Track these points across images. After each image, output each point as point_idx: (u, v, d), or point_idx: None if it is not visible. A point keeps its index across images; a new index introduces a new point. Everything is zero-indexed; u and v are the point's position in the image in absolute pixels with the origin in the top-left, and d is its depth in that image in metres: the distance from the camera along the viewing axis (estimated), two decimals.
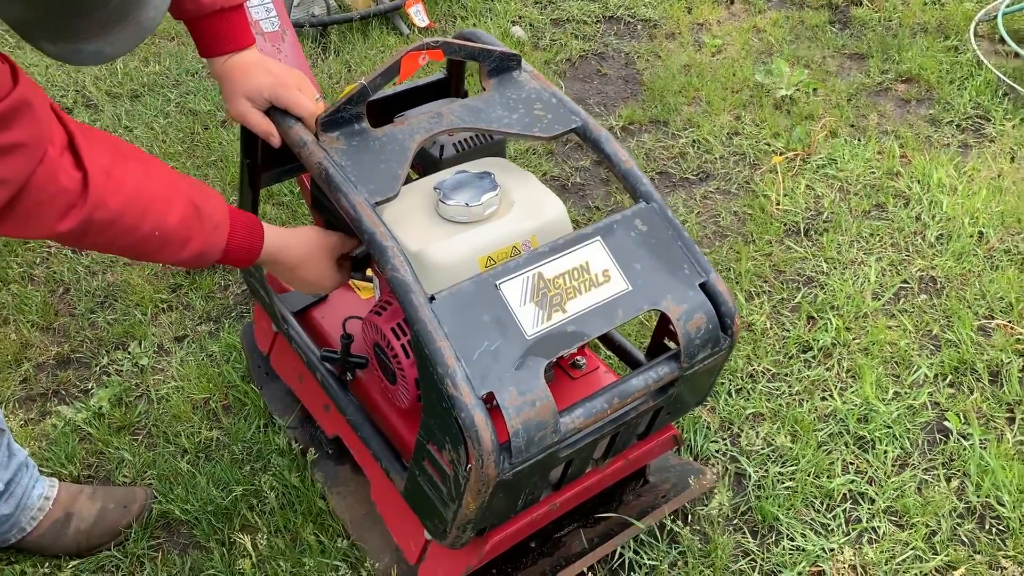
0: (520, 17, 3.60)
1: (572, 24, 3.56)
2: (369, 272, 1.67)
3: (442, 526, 1.40)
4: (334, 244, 1.52)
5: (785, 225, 2.56)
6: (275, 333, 1.99)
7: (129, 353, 2.22)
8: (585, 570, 1.67)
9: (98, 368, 2.18)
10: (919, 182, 2.67)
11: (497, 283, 1.30)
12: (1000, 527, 1.78)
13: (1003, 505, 1.80)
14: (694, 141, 2.92)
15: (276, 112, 1.45)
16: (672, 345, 1.51)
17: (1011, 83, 3.02)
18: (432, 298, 1.27)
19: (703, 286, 1.41)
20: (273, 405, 2.04)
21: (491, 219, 1.45)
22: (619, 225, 1.41)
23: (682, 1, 3.69)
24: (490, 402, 1.22)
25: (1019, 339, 2.15)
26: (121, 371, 2.18)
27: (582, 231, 1.39)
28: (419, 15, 3.46)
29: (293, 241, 1.47)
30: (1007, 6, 3.31)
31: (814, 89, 3.13)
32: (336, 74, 3.23)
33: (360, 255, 1.64)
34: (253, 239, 1.39)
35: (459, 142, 1.64)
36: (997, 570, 1.71)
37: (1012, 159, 2.75)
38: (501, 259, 1.42)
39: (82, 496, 1.82)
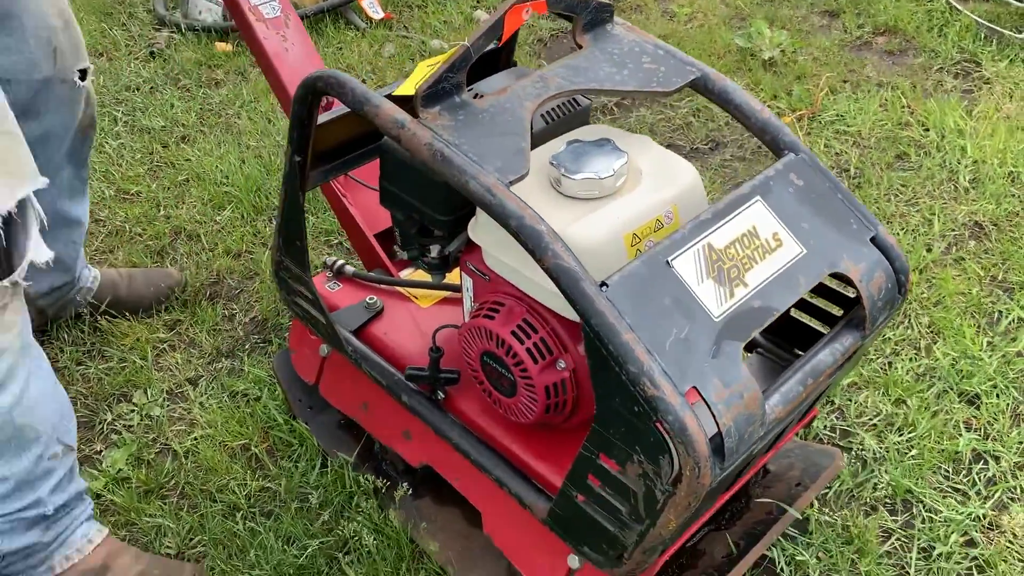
0: (479, 1, 3.39)
1: None
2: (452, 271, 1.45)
3: (617, 551, 1.20)
4: None
5: None
6: (322, 359, 1.74)
7: (135, 405, 1.92)
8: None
9: (103, 426, 1.88)
10: (933, 129, 2.60)
11: (669, 260, 1.11)
12: None
13: None
14: (695, 110, 2.78)
15: (357, 92, 1.22)
16: (832, 309, 1.35)
17: (990, 25, 3.01)
18: (604, 284, 1.07)
19: (873, 240, 1.25)
20: (324, 441, 1.78)
21: (623, 192, 1.26)
22: (775, 181, 1.24)
23: None
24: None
25: None
26: (131, 427, 1.88)
27: (739, 192, 1.21)
28: (373, 7, 3.22)
29: None
30: None
31: (796, 48, 3.05)
32: None
33: (452, 253, 1.42)
34: None
35: (547, 112, 1.44)
36: None
37: (1011, 98, 2.72)
38: (646, 235, 1.23)
39: (126, 555, 1.54)
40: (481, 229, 1.30)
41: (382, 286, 1.72)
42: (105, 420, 1.89)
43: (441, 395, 1.48)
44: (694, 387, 1.03)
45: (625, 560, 1.20)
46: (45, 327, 2.04)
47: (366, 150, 1.53)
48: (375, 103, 1.22)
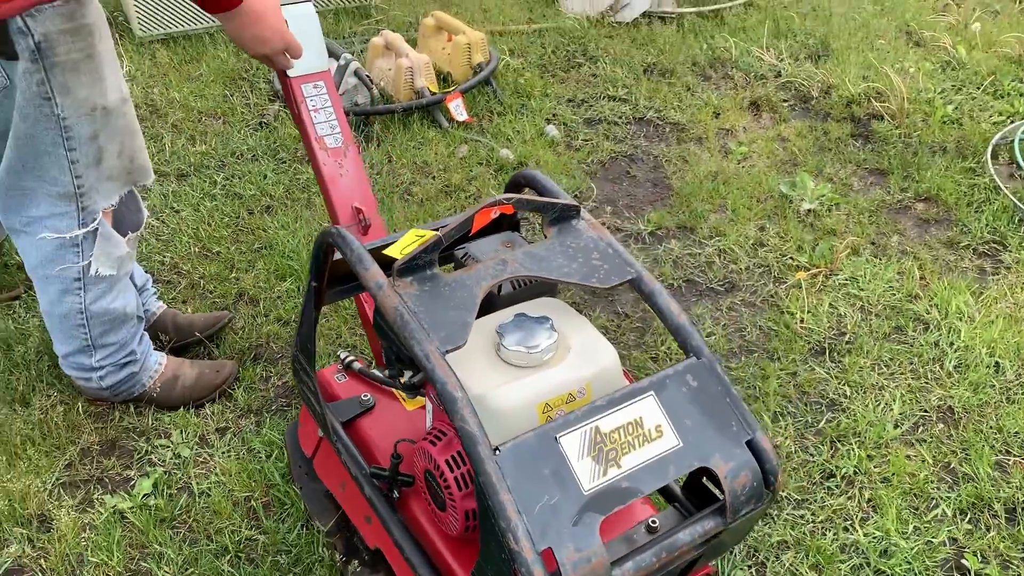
0: (554, 115, 3.73)
1: (604, 124, 3.70)
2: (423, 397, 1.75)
3: None
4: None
5: (809, 344, 2.65)
6: (320, 437, 2.07)
7: (171, 442, 2.29)
8: None
9: (140, 456, 2.25)
10: (937, 307, 2.76)
11: (557, 436, 1.38)
12: None
13: None
14: (720, 250, 3.02)
15: (354, 253, 1.55)
16: (717, 493, 1.59)
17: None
18: (496, 450, 1.34)
19: (749, 443, 1.49)
20: (312, 506, 2.10)
21: (549, 364, 1.53)
22: (671, 380, 1.49)
23: (710, 106, 3.83)
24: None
25: None
26: (163, 460, 2.24)
27: (637, 385, 1.47)
28: (458, 110, 3.60)
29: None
30: None
31: (836, 204, 3.25)
32: (378, 163, 3.35)
33: (418, 381, 1.72)
34: None
35: (516, 280, 1.74)
36: None
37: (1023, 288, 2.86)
38: (557, 405, 1.50)
39: (185, 366, 2.40)
40: None
41: (378, 385, 2.04)
42: (143, 451, 2.26)
43: (396, 494, 1.78)
44: (549, 548, 1.30)
45: None
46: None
47: None
48: (365, 265, 1.54)
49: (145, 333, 2.36)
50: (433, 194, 3.22)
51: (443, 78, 3.90)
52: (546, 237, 1.65)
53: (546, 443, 1.37)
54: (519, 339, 1.53)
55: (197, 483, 2.18)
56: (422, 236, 1.62)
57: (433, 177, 3.33)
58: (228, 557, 2.00)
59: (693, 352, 1.54)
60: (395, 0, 4.77)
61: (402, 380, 1.76)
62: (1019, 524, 2.12)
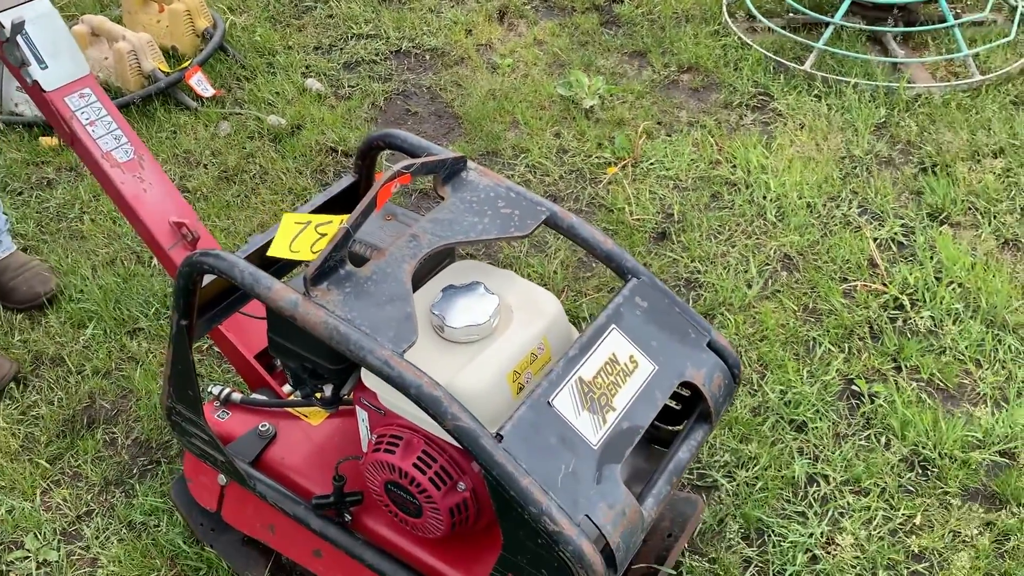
0: (308, 67, 3.46)
1: (364, 66, 3.48)
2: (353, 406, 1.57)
3: None
4: None
5: (645, 232, 2.71)
6: (222, 487, 1.81)
7: (28, 551, 1.92)
8: None
9: None
10: (739, 167, 2.93)
11: (550, 401, 1.29)
12: (931, 468, 2.04)
13: (926, 448, 2.06)
14: (530, 166, 2.99)
15: (246, 274, 1.32)
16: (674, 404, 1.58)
17: (776, 58, 3.38)
18: (499, 436, 1.23)
19: (709, 344, 1.48)
20: (235, 562, 1.86)
21: (499, 332, 1.42)
22: (624, 307, 1.44)
23: (459, 25, 3.72)
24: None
25: (876, 293, 2.45)
26: (28, 575, 1.88)
27: (596, 323, 1.40)
28: (202, 85, 3.22)
29: None
30: None
31: (613, 94, 3.31)
32: None
33: (343, 393, 1.54)
34: None
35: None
36: (945, 508, 1.96)
37: (803, 128, 3.09)
38: (523, 369, 1.40)
39: None
40: (374, 376, 1.43)
41: (271, 409, 1.82)
42: None
43: (348, 517, 1.61)
44: (586, 515, 1.22)
45: None
46: None
47: (240, 295, 1.62)
48: (266, 284, 1.32)
49: None
50: (212, 185, 2.89)
51: (169, 54, 3.46)
52: (443, 198, 1.51)
53: (542, 412, 1.28)
54: (461, 314, 1.40)
55: None
56: (301, 224, 1.42)
57: (204, 166, 2.98)
58: None
59: (631, 273, 1.50)
60: None
61: (318, 396, 1.58)
62: (881, 339, 2.33)
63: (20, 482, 2.03)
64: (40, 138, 3.06)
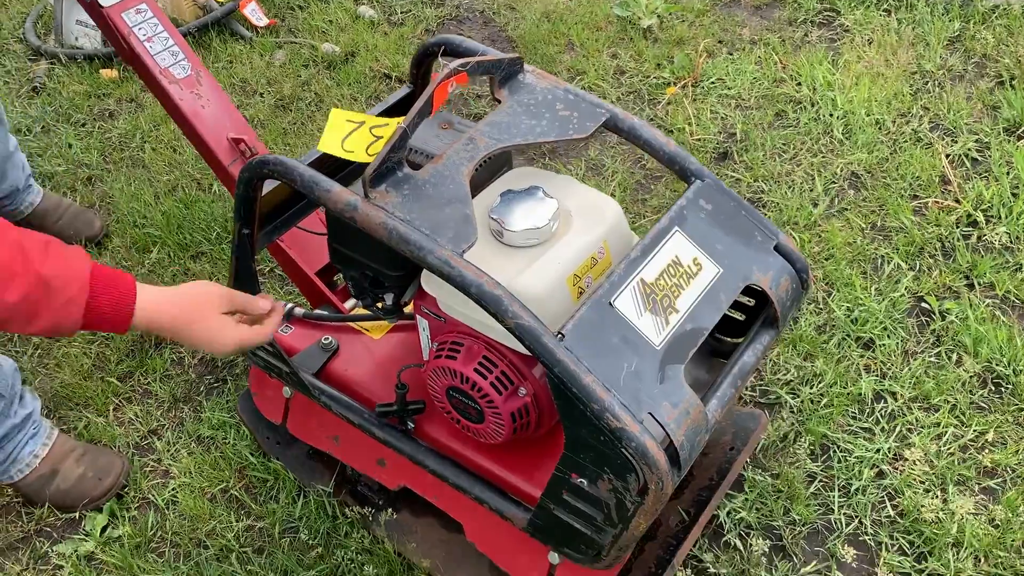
0: None
1: None
2: (409, 310, 1.57)
3: (594, 551, 1.38)
4: (222, 297, 1.41)
5: (706, 152, 2.64)
6: (287, 399, 1.85)
7: None
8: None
9: None
10: (804, 85, 2.82)
11: (611, 301, 1.27)
12: (1005, 385, 1.97)
13: (1000, 365, 1.99)
14: (587, 87, 2.92)
15: (306, 177, 1.32)
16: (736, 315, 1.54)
17: None
18: (561, 335, 1.22)
19: (776, 248, 1.44)
20: (300, 473, 1.90)
21: (558, 236, 1.40)
22: (688, 210, 1.40)
23: None
24: None
25: (948, 210, 2.36)
26: None
27: (660, 225, 1.37)
28: (256, 15, 3.21)
29: (175, 299, 1.37)
30: None
31: (671, 12, 3.21)
32: None
33: (404, 301, 1.54)
34: (120, 308, 1.31)
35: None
36: (1020, 424, 1.90)
37: (871, 43, 2.96)
38: (583, 273, 1.38)
39: (70, 458, 1.90)
40: (435, 281, 1.42)
41: (333, 323, 1.83)
42: None
43: (411, 425, 1.62)
44: (649, 413, 1.21)
45: (603, 556, 1.38)
46: None
47: (303, 204, 1.62)
48: (325, 187, 1.31)
49: (11, 412, 1.82)
50: (269, 113, 2.89)
51: None
52: (499, 102, 1.48)
53: (604, 312, 1.26)
54: (520, 218, 1.37)
55: (157, 495, 1.91)
56: (353, 123, 1.40)
57: (260, 95, 2.98)
58: (234, 555, 1.78)
59: (695, 175, 1.45)
60: None
61: (382, 306, 1.58)
62: (954, 256, 2.25)
63: (94, 399, 2.10)
64: (100, 70, 3.09)
